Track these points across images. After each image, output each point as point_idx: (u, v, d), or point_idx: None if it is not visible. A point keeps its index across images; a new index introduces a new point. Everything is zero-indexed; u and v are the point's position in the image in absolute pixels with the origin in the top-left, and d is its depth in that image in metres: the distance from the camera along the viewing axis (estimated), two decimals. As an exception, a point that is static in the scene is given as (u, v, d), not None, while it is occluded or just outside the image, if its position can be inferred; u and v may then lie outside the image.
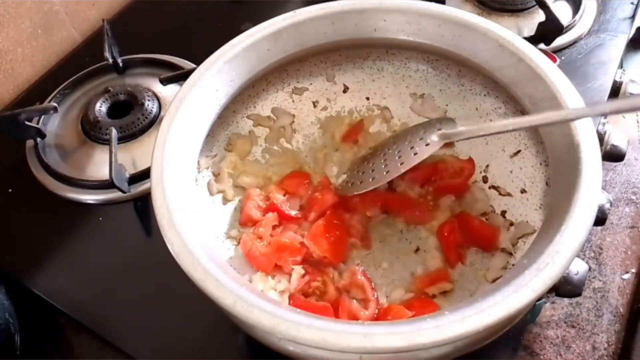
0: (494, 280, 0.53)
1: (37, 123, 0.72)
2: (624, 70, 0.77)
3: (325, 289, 0.54)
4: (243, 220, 0.59)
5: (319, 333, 0.38)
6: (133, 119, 0.72)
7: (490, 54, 0.56)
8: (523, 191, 0.57)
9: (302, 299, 0.52)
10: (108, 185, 0.64)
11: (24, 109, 0.70)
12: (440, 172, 0.60)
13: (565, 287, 0.53)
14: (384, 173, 0.53)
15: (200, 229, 0.47)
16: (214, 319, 0.54)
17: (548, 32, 0.74)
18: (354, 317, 0.52)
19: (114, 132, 0.66)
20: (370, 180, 0.55)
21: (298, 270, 0.54)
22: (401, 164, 0.52)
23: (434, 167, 0.61)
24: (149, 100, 0.74)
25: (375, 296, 0.53)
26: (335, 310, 0.52)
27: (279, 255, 0.54)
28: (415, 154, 0.51)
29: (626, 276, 0.75)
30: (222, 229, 0.58)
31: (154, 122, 0.73)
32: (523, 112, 0.56)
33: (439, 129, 0.53)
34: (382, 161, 0.55)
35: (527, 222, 0.55)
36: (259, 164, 0.63)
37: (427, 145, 0.51)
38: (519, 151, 0.58)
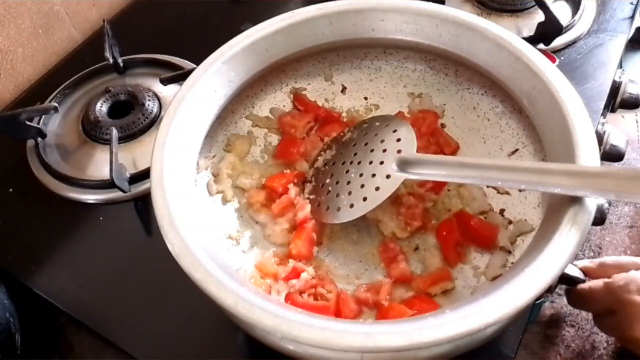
0: (493, 279, 0.53)
1: (38, 123, 0.72)
2: (623, 70, 0.78)
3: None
4: (269, 183, 0.60)
5: (320, 332, 0.38)
6: (133, 119, 0.72)
7: (488, 54, 0.56)
8: (521, 189, 0.57)
9: (300, 299, 0.52)
10: (108, 185, 0.64)
11: (25, 108, 0.70)
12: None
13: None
14: (349, 207, 0.54)
15: (201, 229, 0.47)
16: (214, 319, 0.54)
17: (547, 32, 0.74)
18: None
19: (115, 132, 0.66)
20: (337, 211, 0.54)
21: (305, 275, 0.54)
22: (364, 199, 0.53)
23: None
24: (149, 100, 0.74)
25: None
26: (336, 310, 0.52)
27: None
28: (377, 188, 0.53)
29: (625, 275, 0.75)
30: (222, 230, 0.58)
31: (154, 122, 0.73)
32: (521, 111, 0.56)
33: (399, 151, 0.53)
34: (346, 184, 0.55)
35: (525, 220, 0.55)
36: (258, 165, 0.63)
37: (387, 177, 0.52)
38: (516, 150, 0.58)
